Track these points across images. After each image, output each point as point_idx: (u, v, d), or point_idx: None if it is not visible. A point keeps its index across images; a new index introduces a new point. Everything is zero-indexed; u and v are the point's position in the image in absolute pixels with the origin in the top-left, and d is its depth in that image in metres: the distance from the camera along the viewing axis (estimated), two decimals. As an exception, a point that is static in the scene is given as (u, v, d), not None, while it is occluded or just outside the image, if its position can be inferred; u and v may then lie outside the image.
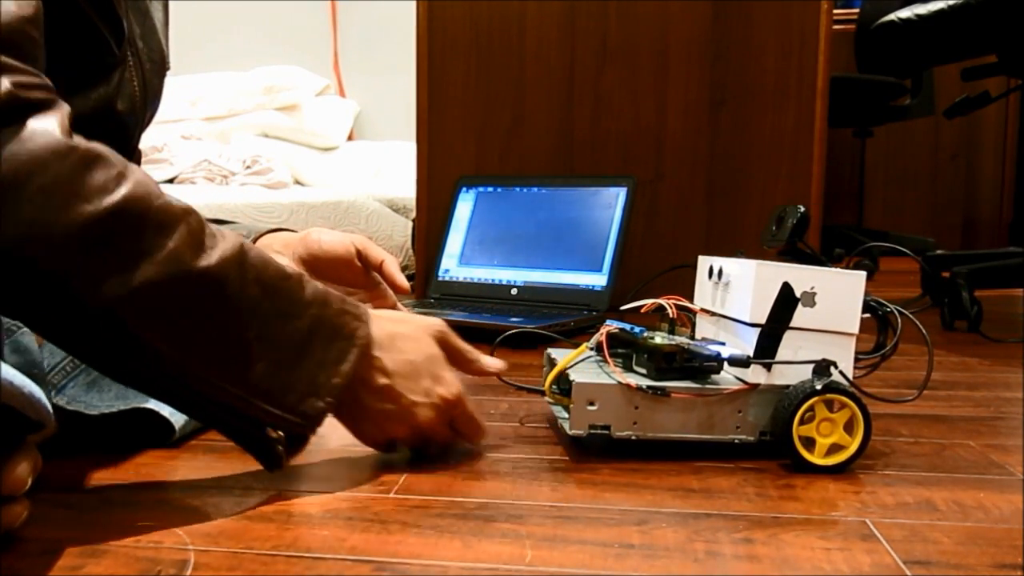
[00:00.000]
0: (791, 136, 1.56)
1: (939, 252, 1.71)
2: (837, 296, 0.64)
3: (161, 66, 0.75)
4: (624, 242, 1.41)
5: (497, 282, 1.48)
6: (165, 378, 0.50)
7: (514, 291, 1.46)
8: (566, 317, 1.27)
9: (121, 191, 0.47)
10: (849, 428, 0.61)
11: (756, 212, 1.58)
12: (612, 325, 0.69)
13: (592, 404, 0.63)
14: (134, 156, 0.83)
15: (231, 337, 0.50)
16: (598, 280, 1.39)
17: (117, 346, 0.48)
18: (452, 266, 1.54)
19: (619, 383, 0.63)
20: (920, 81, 2.56)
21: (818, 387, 0.61)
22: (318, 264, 0.78)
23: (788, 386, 0.63)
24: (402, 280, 0.80)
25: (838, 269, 0.65)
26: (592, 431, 0.63)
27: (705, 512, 0.53)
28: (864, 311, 0.65)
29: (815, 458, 0.61)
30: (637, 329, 0.69)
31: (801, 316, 0.64)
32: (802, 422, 0.61)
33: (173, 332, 0.48)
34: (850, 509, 0.54)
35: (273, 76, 2.89)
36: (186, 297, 0.48)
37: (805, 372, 0.63)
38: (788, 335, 0.64)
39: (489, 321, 1.23)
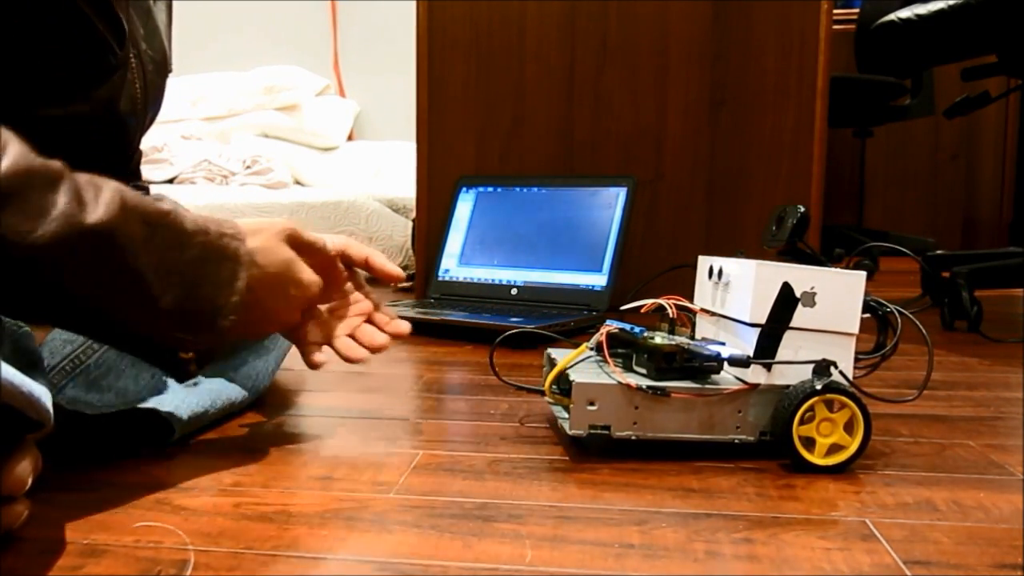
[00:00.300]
0: (791, 136, 1.56)
1: (939, 252, 1.71)
2: (837, 296, 0.64)
3: (163, 67, 0.75)
4: (624, 242, 1.41)
5: (497, 282, 1.48)
6: (83, 319, 0.53)
7: (514, 291, 1.46)
8: (566, 317, 1.27)
9: (8, 155, 0.46)
10: (849, 428, 0.61)
11: (756, 212, 1.58)
12: (612, 325, 0.69)
13: (592, 404, 0.63)
14: (135, 157, 0.83)
15: (134, 276, 0.52)
16: (598, 280, 1.39)
17: (35, 295, 0.50)
18: (452, 266, 1.54)
19: (619, 383, 0.63)
20: (920, 81, 2.56)
21: (818, 387, 0.61)
22: None
23: (788, 386, 0.63)
24: (393, 268, 0.76)
25: (838, 269, 0.65)
26: (592, 431, 0.63)
27: (705, 512, 0.53)
28: (864, 311, 0.65)
29: (815, 458, 0.61)
30: (637, 329, 0.69)
31: (801, 316, 0.64)
32: (802, 422, 0.61)
33: (83, 280, 0.50)
34: (850, 509, 0.54)
35: (273, 76, 2.89)
36: (86, 251, 0.49)
37: (805, 372, 0.63)
38: (788, 335, 0.64)
39: (489, 321, 1.23)
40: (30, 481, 0.45)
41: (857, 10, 2.55)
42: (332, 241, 0.77)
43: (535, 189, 1.53)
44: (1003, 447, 0.69)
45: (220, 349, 0.62)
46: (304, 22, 3.16)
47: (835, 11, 2.37)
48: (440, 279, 1.54)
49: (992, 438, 0.71)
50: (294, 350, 0.97)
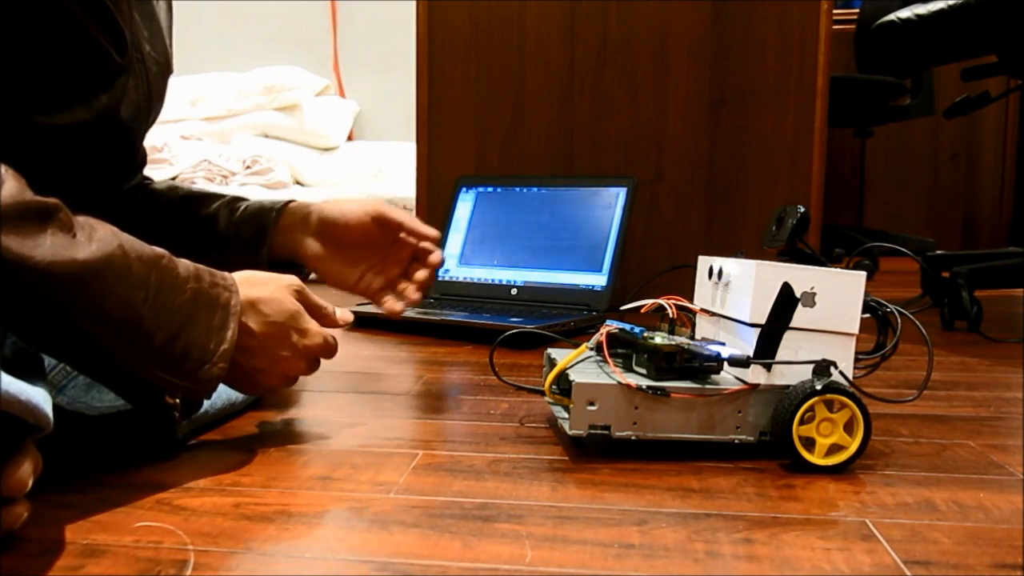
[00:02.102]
0: (791, 136, 1.56)
1: (939, 252, 1.71)
2: (837, 296, 0.64)
3: (166, 69, 0.75)
4: (624, 242, 1.41)
5: (497, 282, 1.48)
6: (80, 350, 0.53)
7: (514, 291, 1.46)
8: (566, 317, 1.27)
9: (5, 187, 0.47)
10: (849, 428, 0.61)
11: (756, 212, 1.58)
12: (612, 325, 0.69)
13: (592, 404, 0.63)
14: (138, 158, 0.83)
15: (128, 312, 0.53)
16: (598, 280, 1.39)
17: (38, 321, 0.50)
18: (452, 266, 1.54)
19: (619, 383, 0.63)
20: (920, 81, 2.56)
21: (818, 387, 0.61)
22: (337, 233, 0.83)
23: (788, 386, 0.63)
24: (426, 229, 0.85)
25: (838, 269, 0.65)
26: (592, 431, 0.63)
27: (705, 512, 0.53)
28: (864, 311, 0.65)
29: (815, 458, 0.61)
30: (637, 329, 0.69)
31: (801, 316, 0.64)
32: (802, 422, 0.61)
33: (80, 311, 0.51)
34: (850, 509, 0.54)
35: (273, 76, 2.89)
36: (80, 283, 0.50)
37: (805, 372, 0.63)
38: (788, 335, 0.64)
39: (489, 321, 1.23)
40: (30, 483, 0.45)
41: (857, 10, 2.55)
42: (368, 206, 0.83)
43: (535, 189, 1.53)
44: (1003, 447, 0.69)
45: (206, 399, 0.63)
46: (304, 22, 3.16)
47: (835, 11, 2.37)
48: (440, 279, 1.54)
49: (992, 438, 0.71)
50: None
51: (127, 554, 0.46)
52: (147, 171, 0.88)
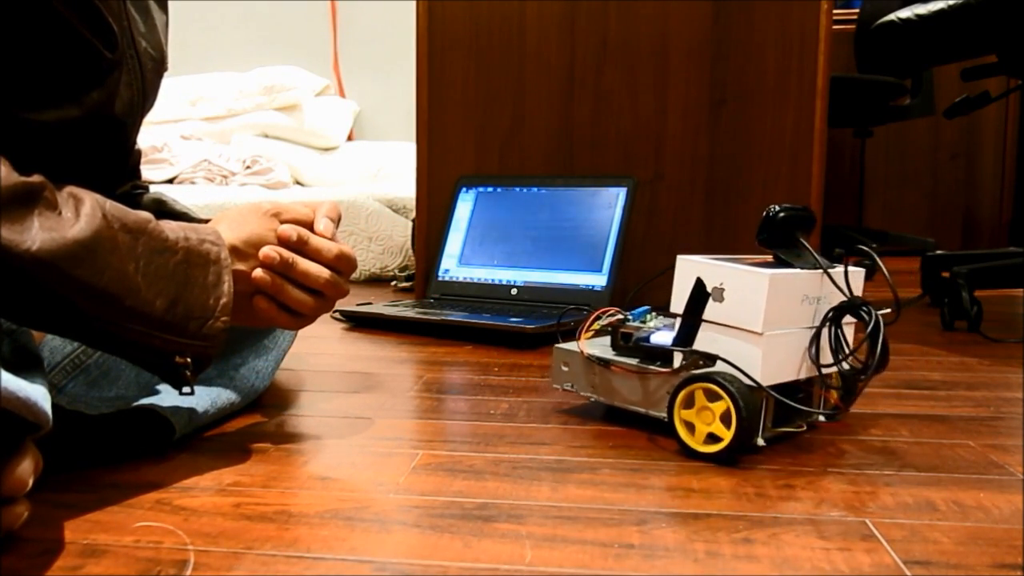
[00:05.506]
0: (791, 136, 1.56)
1: (939, 252, 1.71)
2: (743, 294, 0.64)
3: (161, 64, 0.75)
4: (624, 242, 1.41)
5: (497, 282, 1.48)
6: (79, 326, 0.53)
7: (514, 291, 1.46)
8: (566, 317, 1.27)
9: None
10: (726, 420, 0.63)
11: (756, 212, 1.58)
12: (617, 311, 0.78)
13: (566, 366, 0.77)
14: (132, 155, 0.83)
15: (123, 284, 0.53)
16: (598, 280, 1.39)
17: (33, 303, 0.50)
18: (452, 266, 1.54)
19: (580, 352, 0.74)
20: (920, 81, 2.56)
21: (686, 376, 0.65)
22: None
23: None
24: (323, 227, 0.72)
25: (748, 267, 0.65)
26: (565, 388, 0.77)
27: (705, 512, 0.53)
28: (850, 314, 0.67)
29: (695, 444, 0.64)
30: (636, 312, 0.77)
31: (712, 310, 0.66)
32: (686, 407, 0.64)
33: (75, 289, 0.51)
34: (850, 509, 0.54)
35: (273, 76, 2.89)
36: (72, 262, 0.50)
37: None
38: (707, 327, 0.66)
39: (489, 321, 1.23)
40: (31, 482, 0.45)
41: (857, 10, 2.55)
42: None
43: (535, 189, 1.53)
44: (1003, 447, 0.69)
45: (215, 353, 0.63)
46: (304, 22, 3.16)
47: (835, 11, 2.37)
48: (440, 279, 1.54)
49: (992, 438, 0.71)
50: (294, 349, 0.97)
51: (127, 554, 0.46)
52: (147, 171, 0.88)
